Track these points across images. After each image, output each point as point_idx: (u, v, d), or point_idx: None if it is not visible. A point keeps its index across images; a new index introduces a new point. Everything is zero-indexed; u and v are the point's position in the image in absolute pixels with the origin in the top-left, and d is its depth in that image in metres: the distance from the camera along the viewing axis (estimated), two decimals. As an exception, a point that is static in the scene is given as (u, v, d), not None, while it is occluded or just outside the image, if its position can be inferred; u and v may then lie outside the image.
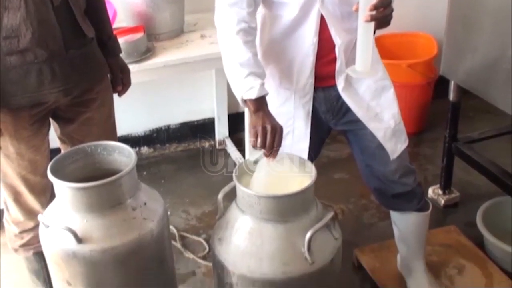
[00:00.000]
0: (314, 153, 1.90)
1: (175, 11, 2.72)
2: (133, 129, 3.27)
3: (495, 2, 2.14)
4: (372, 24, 1.56)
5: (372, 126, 1.85)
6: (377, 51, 1.91)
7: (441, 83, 2.85)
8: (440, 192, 2.78)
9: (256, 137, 1.61)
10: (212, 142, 3.35)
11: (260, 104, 1.65)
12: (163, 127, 3.33)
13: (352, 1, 1.69)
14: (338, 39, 1.74)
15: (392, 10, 1.63)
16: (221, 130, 3.29)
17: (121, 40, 2.40)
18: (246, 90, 1.63)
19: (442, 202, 2.75)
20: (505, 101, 2.15)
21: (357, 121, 1.87)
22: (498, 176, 2.36)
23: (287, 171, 1.62)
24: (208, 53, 2.61)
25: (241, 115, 3.11)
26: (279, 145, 1.62)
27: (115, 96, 2.04)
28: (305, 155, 1.83)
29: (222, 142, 3.31)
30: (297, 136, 1.87)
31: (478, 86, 2.30)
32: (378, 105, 1.86)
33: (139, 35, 2.55)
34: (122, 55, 2.03)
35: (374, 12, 1.54)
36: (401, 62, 3.17)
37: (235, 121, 3.27)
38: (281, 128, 1.63)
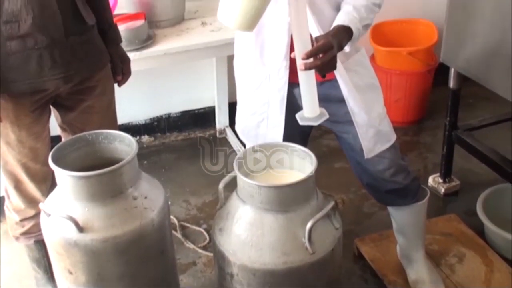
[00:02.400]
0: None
1: (175, -2, 2.71)
2: (134, 117, 3.26)
3: (496, -12, 2.12)
4: (312, 71, 1.50)
5: (357, 119, 1.80)
6: (365, 53, 1.85)
7: (441, 71, 2.84)
8: (440, 180, 2.77)
9: None
10: (213, 131, 3.34)
11: None
12: (164, 116, 3.32)
13: None
14: (315, 25, 1.64)
15: (334, 55, 1.53)
16: (222, 119, 3.28)
17: (122, 28, 2.38)
18: None
19: (443, 190, 2.74)
20: (505, 88, 2.13)
21: (337, 122, 1.83)
22: (498, 163, 2.35)
23: None
24: (209, 41, 2.60)
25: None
26: None
27: (115, 85, 2.02)
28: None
29: (222, 131, 3.30)
30: (271, 124, 1.83)
31: (478, 73, 2.28)
32: (363, 101, 1.80)
33: (140, 22, 2.53)
34: (123, 42, 2.02)
35: (309, 60, 1.47)
36: (401, 50, 3.15)
37: (236, 110, 3.25)
38: None
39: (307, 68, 1.49)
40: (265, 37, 1.73)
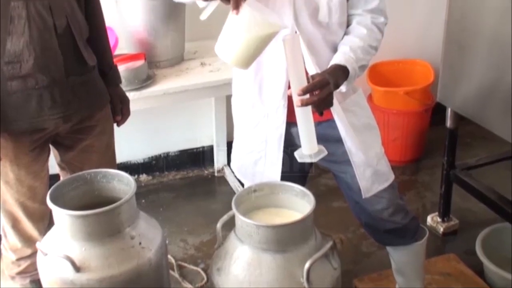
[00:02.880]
0: None
1: (175, 38, 2.75)
2: (132, 156, 3.27)
3: (490, 28, 2.16)
4: (308, 108, 1.50)
5: (355, 159, 1.81)
6: (362, 93, 1.87)
7: (438, 110, 2.86)
8: (439, 219, 2.76)
9: None
10: (211, 170, 3.34)
11: None
12: (162, 155, 3.33)
13: (332, 27, 1.65)
14: (313, 66, 1.66)
15: (330, 91, 1.54)
16: (220, 158, 3.29)
17: (122, 68, 2.41)
18: None
19: (441, 230, 2.74)
20: (502, 127, 2.15)
21: (335, 161, 1.83)
22: (497, 202, 2.35)
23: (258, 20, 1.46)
24: (207, 81, 2.63)
25: (240, 142, 3.11)
26: None
27: (114, 125, 2.04)
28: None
29: (221, 170, 3.30)
30: (269, 162, 1.83)
31: (475, 112, 2.30)
32: (361, 141, 1.81)
33: (140, 62, 2.57)
34: (122, 82, 2.04)
35: (305, 97, 1.48)
36: (398, 90, 3.18)
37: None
38: None
39: (304, 104, 1.49)
40: (264, 76, 1.76)
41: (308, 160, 1.62)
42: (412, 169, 3.29)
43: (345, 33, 1.73)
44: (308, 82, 1.52)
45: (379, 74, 3.34)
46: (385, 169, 1.88)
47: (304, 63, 1.55)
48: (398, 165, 3.16)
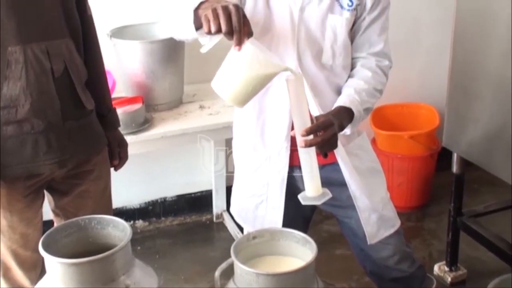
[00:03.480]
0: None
1: (174, 81, 2.78)
2: (128, 201, 3.26)
3: (495, 72, 2.19)
4: (312, 149, 1.51)
5: (360, 204, 1.81)
6: (366, 136, 1.89)
7: (444, 155, 2.88)
8: (446, 269, 2.74)
9: (210, 21, 1.39)
10: (209, 216, 3.33)
11: None
12: (159, 200, 3.33)
13: (336, 69, 1.67)
14: (316, 107, 1.68)
15: (334, 132, 1.55)
16: (219, 203, 3.29)
17: (120, 111, 2.43)
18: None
19: (449, 279, 2.71)
20: (508, 173, 2.15)
21: (339, 206, 1.84)
22: (506, 252, 2.33)
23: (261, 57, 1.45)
24: (206, 124, 2.66)
25: (240, 187, 3.12)
26: (247, 23, 1.43)
27: (111, 169, 2.04)
28: (278, 226, 1.78)
29: (219, 216, 3.30)
30: (270, 206, 1.83)
31: (481, 158, 2.31)
32: (365, 185, 1.82)
33: (138, 105, 2.59)
34: (120, 126, 2.05)
35: (309, 138, 1.49)
36: (402, 134, 3.20)
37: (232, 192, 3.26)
38: (241, 8, 1.43)
39: (307, 145, 1.50)
40: (266, 118, 1.77)
41: (312, 203, 1.60)
42: (417, 216, 3.28)
43: (349, 76, 1.75)
44: (312, 123, 1.53)
45: (383, 118, 3.36)
46: (391, 214, 1.88)
47: (307, 104, 1.56)
48: (403, 211, 3.15)
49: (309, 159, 1.55)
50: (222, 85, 1.52)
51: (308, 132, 1.49)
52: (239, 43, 1.43)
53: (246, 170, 1.88)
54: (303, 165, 1.55)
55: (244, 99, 1.52)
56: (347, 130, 1.66)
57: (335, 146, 1.59)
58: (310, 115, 1.55)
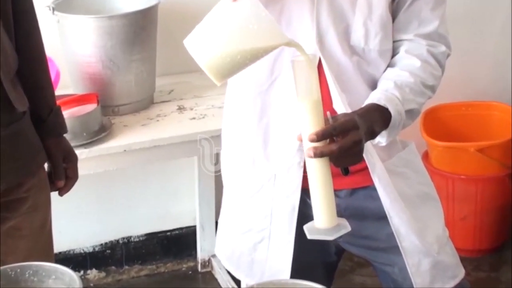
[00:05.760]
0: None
1: (142, 73, 2.79)
2: (78, 243, 3.27)
3: None
4: (325, 161, 1.44)
5: (405, 245, 1.81)
6: (415, 149, 1.89)
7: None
8: (531, 337, 2.75)
9: None
10: (192, 264, 3.34)
11: None
12: (121, 241, 3.34)
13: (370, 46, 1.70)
14: (343, 107, 1.67)
15: (358, 139, 1.49)
16: (206, 245, 3.30)
17: (66, 114, 2.43)
18: None
19: None
20: None
21: (375, 249, 1.85)
22: None
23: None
24: (188, 133, 2.66)
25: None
26: None
27: (54, 195, 2.05)
28: (285, 277, 1.76)
29: (206, 263, 3.30)
30: (275, 246, 1.83)
31: None
32: (414, 219, 1.81)
33: (91, 107, 2.60)
34: (67, 135, 2.05)
35: (319, 144, 1.43)
36: (467, 145, 3.21)
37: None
38: None
39: (318, 155, 1.43)
40: (271, 121, 1.78)
41: (322, 237, 1.53)
42: (491, 263, 3.28)
43: (389, 65, 1.76)
44: (328, 123, 1.48)
45: (439, 123, 3.37)
46: (450, 260, 1.89)
47: (320, 96, 1.48)
48: (470, 256, 3.16)
49: (319, 176, 1.47)
50: (200, 44, 1.50)
51: (320, 137, 1.43)
52: None
53: (240, 194, 1.88)
54: (312, 185, 1.49)
55: (226, 71, 1.49)
56: (382, 139, 1.66)
57: (359, 159, 1.55)
58: (325, 114, 1.49)
